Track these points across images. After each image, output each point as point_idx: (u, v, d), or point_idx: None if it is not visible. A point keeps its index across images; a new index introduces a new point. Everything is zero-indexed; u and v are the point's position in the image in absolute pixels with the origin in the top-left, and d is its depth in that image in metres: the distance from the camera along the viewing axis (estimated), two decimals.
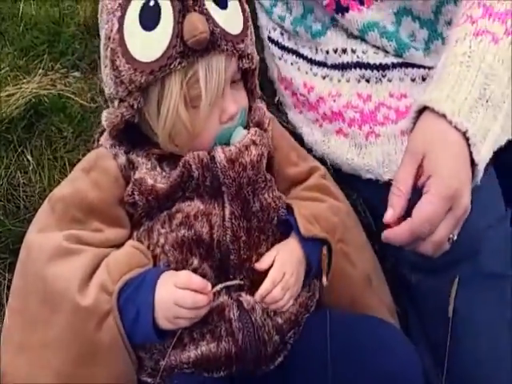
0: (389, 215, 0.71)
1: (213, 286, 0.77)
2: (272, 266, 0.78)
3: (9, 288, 0.89)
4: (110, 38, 0.81)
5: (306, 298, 0.82)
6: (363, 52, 0.95)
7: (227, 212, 0.78)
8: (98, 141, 0.89)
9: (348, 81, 0.98)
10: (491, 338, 0.84)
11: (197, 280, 0.73)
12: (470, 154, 0.70)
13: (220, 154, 0.78)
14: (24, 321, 0.78)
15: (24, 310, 0.79)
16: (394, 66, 0.95)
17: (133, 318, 0.73)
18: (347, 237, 0.86)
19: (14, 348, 0.78)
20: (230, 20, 0.79)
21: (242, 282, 0.77)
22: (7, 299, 0.88)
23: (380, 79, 0.96)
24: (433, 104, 0.72)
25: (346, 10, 0.94)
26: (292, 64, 1.07)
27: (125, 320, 0.73)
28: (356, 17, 0.94)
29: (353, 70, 0.97)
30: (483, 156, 0.71)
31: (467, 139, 0.70)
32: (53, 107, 1.09)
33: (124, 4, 0.78)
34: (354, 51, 0.96)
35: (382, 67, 0.95)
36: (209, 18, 0.75)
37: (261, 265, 0.78)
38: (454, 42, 0.77)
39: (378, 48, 0.95)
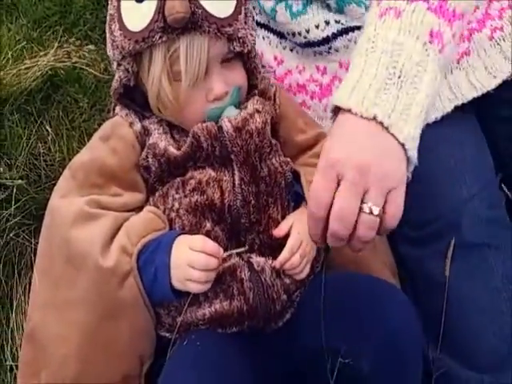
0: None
1: (224, 248, 0.83)
2: (289, 233, 0.82)
3: (35, 252, 0.95)
4: (112, 2, 0.88)
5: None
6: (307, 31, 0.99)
7: (237, 178, 0.83)
8: (114, 110, 0.94)
9: (308, 55, 1.03)
10: (478, 307, 0.87)
11: (210, 244, 0.78)
12: (393, 135, 0.66)
13: (227, 124, 0.83)
14: (50, 281, 0.84)
15: (50, 271, 0.84)
16: (334, 36, 0.98)
17: (151, 278, 0.78)
18: None
19: (42, 306, 0.84)
20: (218, 3, 0.81)
21: (247, 248, 0.80)
22: (33, 263, 0.95)
23: (328, 51, 0.99)
24: (339, 102, 0.69)
25: None
26: (264, 38, 1.10)
27: (144, 280, 0.78)
28: None
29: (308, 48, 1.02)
30: (409, 133, 0.67)
31: (381, 123, 0.66)
32: (68, 78, 1.14)
33: None
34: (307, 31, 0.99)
35: (326, 40, 0.99)
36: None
37: (279, 232, 0.83)
38: (362, 31, 0.75)
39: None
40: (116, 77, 0.87)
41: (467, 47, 1.00)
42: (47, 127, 1.06)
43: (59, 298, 0.82)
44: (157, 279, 0.78)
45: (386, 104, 0.67)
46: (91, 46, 1.13)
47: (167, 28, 0.79)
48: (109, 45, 0.86)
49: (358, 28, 0.99)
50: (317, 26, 1.04)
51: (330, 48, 1.02)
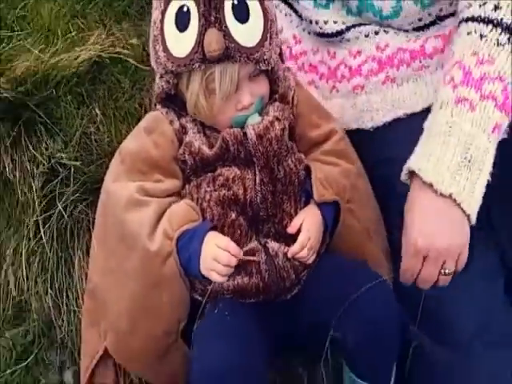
0: None
1: (246, 234, 1.01)
2: (300, 229, 1.00)
3: (92, 222, 1.16)
4: (155, 24, 1.02)
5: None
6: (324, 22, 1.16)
7: (257, 178, 1.00)
8: (156, 105, 1.10)
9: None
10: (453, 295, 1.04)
11: (233, 245, 0.96)
12: (462, 209, 0.89)
13: (251, 131, 1.00)
14: (106, 251, 1.05)
15: (105, 243, 1.06)
16: (348, 28, 1.14)
17: (186, 260, 0.97)
18: (354, 196, 1.07)
19: (101, 270, 1.07)
20: (248, 33, 0.97)
21: (259, 259, 0.98)
22: (91, 231, 1.15)
23: (340, 41, 1.16)
24: (423, 175, 0.91)
25: None
26: (286, 15, 1.25)
27: (181, 260, 0.97)
28: None
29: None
30: (474, 206, 0.90)
31: (454, 200, 0.89)
32: (112, 63, 1.28)
33: (167, 1, 0.96)
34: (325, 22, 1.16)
35: (340, 33, 1.15)
36: (226, 33, 0.94)
37: (292, 229, 1.01)
38: (438, 105, 0.94)
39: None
40: (158, 85, 1.03)
41: None
42: (96, 109, 1.23)
43: (114, 267, 1.04)
44: (190, 263, 0.97)
45: (459, 184, 0.90)
46: (134, 40, 1.27)
47: (205, 59, 0.94)
48: (153, 60, 1.02)
49: (370, 24, 1.14)
50: (335, 22, 1.17)
51: (342, 39, 1.18)
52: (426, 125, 0.96)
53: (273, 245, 1.01)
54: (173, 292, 1.01)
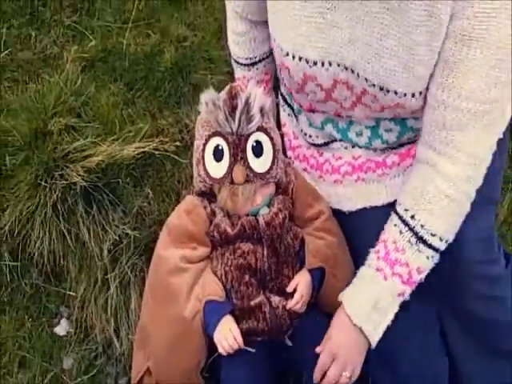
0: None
1: (256, 290, 1.42)
2: (295, 289, 1.40)
3: (145, 275, 1.58)
4: (198, 149, 1.43)
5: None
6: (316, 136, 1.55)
7: (265, 252, 1.41)
8: (193, 192, 1.51)
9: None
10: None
11: (239, 337, 1.35)
12: (367, 340, 1.30)
13: (261, 220, 1.40)
14: (153, 300, 1.47)
15: (153, 293, 1.47)
16: (332, 141, 1.53)
17: (207, 323, 1.37)
18: (336, 262, 1.47)
19: (148, 313, 1.49)
20: (262, 164, 1.39)
21: (254, 351, 1.37)
22: (144, 282, 1.56)
23: (326, 148, 1.55)
24: (345, 306, 1.32)
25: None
26: (288, 115, 1.64)
27: (205, 320, 1.38)
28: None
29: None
30: (375, 339, 1.30)
31: (363, 332, 1.30)
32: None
33: (207, 138, 1.39)
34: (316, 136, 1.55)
35: (326, 143, 1.55)
36: (247, 167, 1.36)
37: (290, 289, 1.41)
38: (367, 264, 1.34)
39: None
40: (197, 184, 1.44)
41: None
42: (147, 188, 1.65)
43: (157, 313, 1.45)
44: (208, 327, 1.38)
45: (368, 322, 1.30)
46: (173, 129, 1.69)
47: (232, 182, 1.36)
48: (195, 172, 1.43)
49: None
50: (323, 137, 1.56)
51: (327, 147, 1.56)
52: (360, 270, 1.36)
53: (275, 299, 1.42)
54: (196, 341, 1.40)
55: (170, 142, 1.64)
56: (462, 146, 1.26)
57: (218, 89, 1.80)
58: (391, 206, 1.40)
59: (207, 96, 1.38)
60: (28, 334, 1.73)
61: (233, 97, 1.35)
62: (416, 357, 1.43)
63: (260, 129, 1.37)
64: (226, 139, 1.36)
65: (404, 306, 1.33)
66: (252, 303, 1.40)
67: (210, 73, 1.92)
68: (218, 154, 1.37)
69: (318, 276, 1.45)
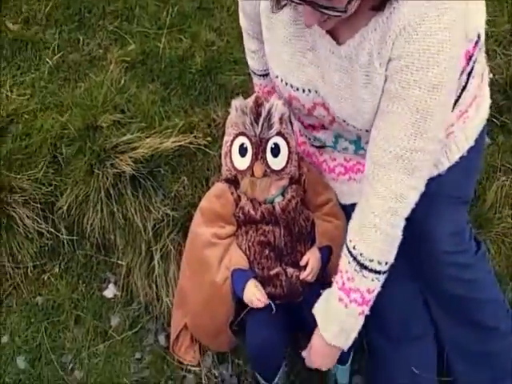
0: None
1: (274, 263, 1.72)
2: (307, 263, 1.69)
3: (182, 248, 1.89)
4: (226, 143, 1.70)
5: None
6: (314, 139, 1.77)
7: (282, 232, 1.71)
8: (221, 180, 1.81)
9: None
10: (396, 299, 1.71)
11: (262, 296, 1.65)
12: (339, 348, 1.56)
13: (277, 207, 1.70)
14: (190, 268, 1.80)
15: (189, 263, 1.80)
16: (326, 146, 1.76)
17: (236, 287, 1.68)
18: (341, 242, 1.68)
19: (185, 278, 1.81)
20: (279, 162, 1.66)
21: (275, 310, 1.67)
22: (181, 254, 1.87)
23: (324, 149, 1.79)
24: (322, 331, 1.55)
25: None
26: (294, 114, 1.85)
27: (233, 284, 1.69)
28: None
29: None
30: (348, 344, 1.54)
31: (335, 346, 1.54)
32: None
33: (234, 136, 1.66)
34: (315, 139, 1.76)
35: (323, 146, 1.76)
36: (266, 164, 1.63)
37: (302, 262, 1.70)
38: (331, 292, 1.53)
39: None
40: (224, 172, 1.72)
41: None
42: (183, 175, 1.95)
43: (193, 278, 1.78)
44: (237, 290, 1.69)
45: (338, 339, 1.54)
46: (203, 124, 2.00)
47: (253, 175, 1.65)
48: (223, 162, 1.71)
49: None
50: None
51: (325, 149, 1.80)
52: (327, 296, 1.56)
53: (290, 270, 1.72)
54: (226, 301, 1.73)
55: (201, 137, 1.95)
56: (384, 182, 1.42)
57: (241, 88, 2.13)
58: None
59: (237, 102, 1.66)
60: (81, 296, 2.09)
61: (258, 105, 1.64)
62: (403, 319, 1.73)
63: (279, 134, 1.65)
64: (250, 140, 1.64)
65: (391, 279, 1.56)
66: (271, 273, 1.71)
67: (234, 74, 2.21)
68: (242, 151, 1.66)
69: (326, 253, 1.75)
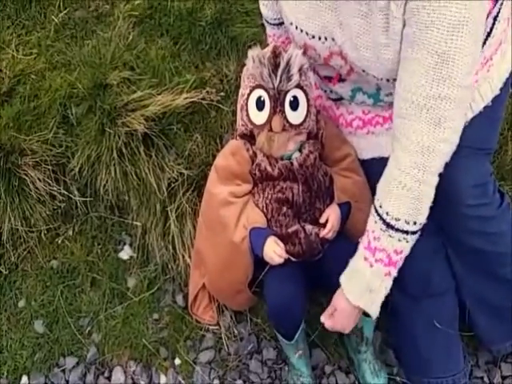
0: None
1: (292, 220, 1.71)
2: (327, 220, 1.69)
3: (198, 208, 1.88)
4: (242, 97, 1.66)
5: None
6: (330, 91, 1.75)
7: (300, 188, 1.69)
8: (236, 136, 1.78)
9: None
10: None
11: (282, 251, 1.65)
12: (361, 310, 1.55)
13: (295, 162, 1.68)
14: (206, 228, 1.79)
15: (206, 223, 1.79)
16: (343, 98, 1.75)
17: (254, 245, 1.68)
18: (361, 197, 1.73)
19: (202, 238, 1.81)
20: (297, 116, 1.62)
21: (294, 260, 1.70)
22: (197, 214, 1.87)
23: (340, 102, 1.77)
24: (346, 293, 1.54)
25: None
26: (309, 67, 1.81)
27: (251, 242, 1.68)
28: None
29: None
30: (374, 309, 1.53)
31: (358, 307, 1.53)
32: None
33: (251, 89, 1.62)
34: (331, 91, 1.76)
35: (340, 99, 1.75)
36: (284, 118, 1.60)
37: (322, 220, 1.70)
38: (357, 253, 1.53)
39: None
40: (239, 127, 1.70)
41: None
42: (196, 133, 1.93)
43: (210, 238, 1.77)
44: (255, 248, 1.68)
45: (361, 301, 1.52)
46: (222, 94, 1.96)
47: (271, 130, 1.61)
48: (239, 117, 1.68)
49: None
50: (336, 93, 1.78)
51: (342, 102, 1.78)
52: (353, 258, 1.55)
53: (308, 227, 1.71)
54: (244, 260, 1.72)
55: (214, 93, 1.91)
56: (409, 135, 1.40)
57: (253, 40, 2.09)
58: None
59: (254, 53, 1.61)
60: (97, 258, 2.09)
61: (276, 56, 1.58)
62: (425, 274, 1.72)
63: (298, 86, 1.61)
64: (267, 92, 1.60)
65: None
66: (289, 230, 1.70)
67: (246, 25, 2.15)
68: (260, 104, 1.61)
69: (346, 210, 1.74)
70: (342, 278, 1.57)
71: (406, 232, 1.47)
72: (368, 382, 1.83)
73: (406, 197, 1.44)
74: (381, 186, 1.50)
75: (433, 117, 1.37)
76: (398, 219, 1.46)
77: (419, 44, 1.33)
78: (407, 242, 1.49)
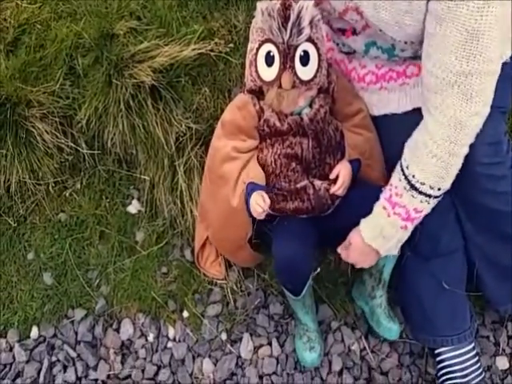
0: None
1: (301, 176, 1.71)
2: (337, 176, 1.69)
3: (204, 162, 1.89)
4: (251, 51, 1.64)
5: None
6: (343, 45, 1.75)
7: (310, 143, 1.69)
8: (244, 91, 1.76)
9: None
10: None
11: (265, 205, 1.64)
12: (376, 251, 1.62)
13: (305, 117, 1.67)
14: (210, 182, 1.81)
15: (210, 177, 1.81)
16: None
17: (246, 201, 1.70)
18: (371, 154, 1.75)
19: (206, 192, 1.85)
20: (308, 72, 1.60)
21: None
22: (203, 168, 1.89)
23: (354, 55, 1.75)
24: (361, 230, 1.61)
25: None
26: (323, 17, 1.78)
27: (246, 198, 1.69)
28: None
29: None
30: (386, 250, 1.61)
31: (371, 246, 1.60)
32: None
33: (260, 43, 1.60)
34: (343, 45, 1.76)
35: (353, 52, 1.74)
36: (294, 74, 1.58)
37: (333, 175, 1.70)
38: (379, 202, 1.59)
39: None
40: (248, 82, 1.68)
41: None
42: (204, 86, 1.92)
43: (213, 192, 1.79)
44: (247, 204, 1.70)
45: (376, 242, 1.60)
46: (230, 45, 1.94)
47: (280, 86, 1.59)
48: (247, 72, 1.66)
49: None
50: (349, 46, 1.76)
51: (354, 55, 1.78)
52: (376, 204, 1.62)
53: (317, 182, 1.71)
54: (241, 215, 1.74)
55: (222, 44, 1.90)
56: (442, 109, 1.44)
57: None
58: (409, 114, 1.68)
59: (263, 4, 1.58)
60: (105, 212, 2.12)
61: (286, 8, 1.55)
62: (434, 233, 1.73)
63: (308, 39, 1.58)
64: (277, 47, 1.58)
65: None
66: (298, 186, 1.70)
67: None
68: (269, 60, 1.60)
69: (356, 166, 1.74)
70: (363, 220, 1.64)
71: (429, 196, 1.54)
72: (384, 326, 1.86)
73: (435, 166, 1.50)
74: (410, 149, 1.54)
75: (464, 92, 1.40)
76: (423, 183, 1.52)
77: (448, 21, 1.34)
78: (428, 203, 1.56)
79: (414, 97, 1.68)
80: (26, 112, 2.00)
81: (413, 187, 1.53)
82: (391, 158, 1.64)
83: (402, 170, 1.55)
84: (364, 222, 1.64)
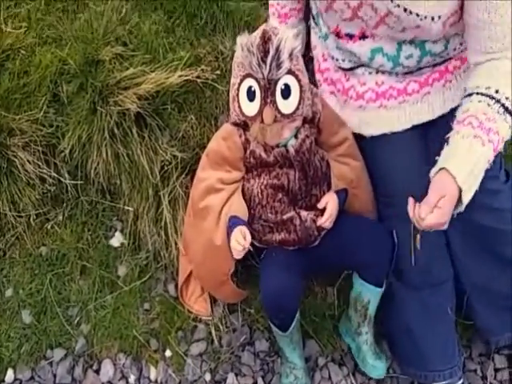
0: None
1: (287, 207, 1.86)
2: (325, 207, 1.83)
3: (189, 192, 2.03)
4: (234, 87, 1.77)
5: None
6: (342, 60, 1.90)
7: (296, 175, 1.83)
8: (228, 121, 1.91)
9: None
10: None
11: (245, 242, 1.76)
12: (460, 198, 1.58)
13: (291, 149, 1.81)
14: (193, 213, 1.94)
15: (193, 208, 1.95)
16: (358, 66, 1.88)
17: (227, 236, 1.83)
18: (358, 184, 1.89)
19: (188, 224, 1.99)
20: (289, 105, 1.72)
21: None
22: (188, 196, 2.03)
23: (353, 72, 1.89)
24: (451, 170, 1.56)
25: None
26: (319, 38, 1.96)
27: (227, 232, 1.83)
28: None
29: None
30: (466, 199, 1.57)
31: (461, 190, 1.55)
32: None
33: (242, 78, 1.74)
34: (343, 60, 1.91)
35: (352, 68, 1.89)
36: (276, 109, 1.70)
37: (320, 205, 1.84)
38: (460, 136, 1.60)
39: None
40: (232, 115, 1.82)
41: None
42: (190, 114, 2.08)
43: (195, 225, 1.93)
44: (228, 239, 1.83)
45: (466, 183, 1.57)
46: (211, 57, 2.10)
47: (262, 121, 1.73)
48: (231, 106, 1.80)
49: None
50: (349, 61, 1.90)
51: (353, 72, 1.92)
52: (449, 145, 1.62)
53: (304, 213, 1.86)
54: (223, 250, 1.87)
55: (209, 71, 2.06)
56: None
57: (250, 15, 2.22)
58: (409, 131, 1.82)
59: (243, 40, 1.72)
60: (86, 245, 2.25)
61: (265, 41, 1.69)
62: (426, 263, 1.84)
63: (289, 72, 1.71)
64: (258, 82, 1.71)
65: None
66: (284, 217, 1.85)
67: (242, 0, 2.28)
68: (250, 95, 1.73)
69: (343, 197, 1.89)
70: (445, 162, 1.61)
71: None
72: (370, 364, 1.98)
73: None
74: (493, 75, 1.65)
75: None
76: None
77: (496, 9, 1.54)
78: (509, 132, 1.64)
79: (413, 114, 1.83)
80: (8, 141, 2.14)
81: (507, 110, 1.61)
82: (385, 178, 1.78)
83: (489, 95, 1.62)
84: (452, 164, 1.59)
